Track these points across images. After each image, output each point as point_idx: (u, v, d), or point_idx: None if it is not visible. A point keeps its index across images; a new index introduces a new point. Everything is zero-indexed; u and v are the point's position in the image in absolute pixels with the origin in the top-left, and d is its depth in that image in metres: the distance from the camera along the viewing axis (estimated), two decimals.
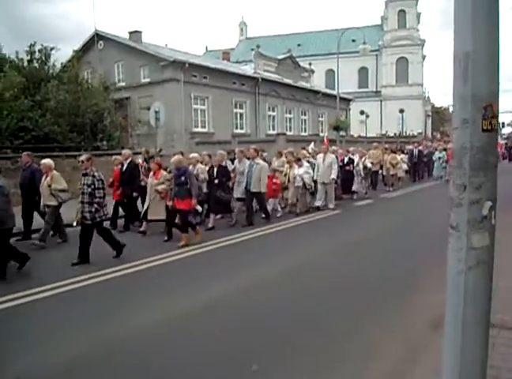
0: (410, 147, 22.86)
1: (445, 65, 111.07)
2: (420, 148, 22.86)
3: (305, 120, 36.52)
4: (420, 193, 17.37)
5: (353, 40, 50.57)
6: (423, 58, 65.11)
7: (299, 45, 61.56)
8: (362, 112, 50.02)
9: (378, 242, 8.74)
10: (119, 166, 10.75)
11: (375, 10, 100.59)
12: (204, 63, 27.78)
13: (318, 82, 43.94)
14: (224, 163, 11.12)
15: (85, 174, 7.60)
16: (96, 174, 7.58)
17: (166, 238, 9.16)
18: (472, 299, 1.65)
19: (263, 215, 11.14)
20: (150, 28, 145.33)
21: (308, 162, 12.81)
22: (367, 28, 58.44)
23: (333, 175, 12.71)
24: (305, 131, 35.82)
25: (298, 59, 38.40)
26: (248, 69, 32.29)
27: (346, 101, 40.09)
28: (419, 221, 10.89)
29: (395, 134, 45.25)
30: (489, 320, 1.67)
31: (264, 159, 12.61)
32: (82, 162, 7.64)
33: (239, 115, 30.07)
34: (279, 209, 11.92)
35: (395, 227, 10.32)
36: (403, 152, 20.60)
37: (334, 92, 33.68)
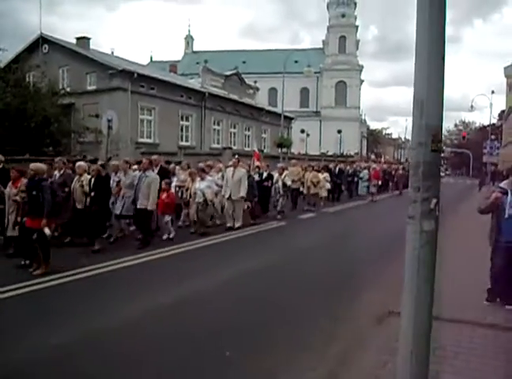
0: (330, 165, 22.53)
1: (379, 91, 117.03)
2: (343, 166, 22.93)
3: (248, 136, 37.53)
4: (339, 214, 16.38)
5: (296, 61, 52.74)
6: (361, 82, 68.93)
7: (244, 62, 63.08)
8: (302, 131, 52.14)
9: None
10: None
11: (317, 34, 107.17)
12: (153, 75, 28.05)
13: (261, 100, 45.28)
14: (112, 174, 9.93)
15: None
16: None
17: (22, 261, 7.39)
18: (422, 266, 2.43)
19: (139, 236, 9.58)
20: (94, 32, 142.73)
21: (222, 176, 12.04)
22: (310, 51, 61.18)
23: (242, 193, 11.58)
24: (248, 146, 36.75)
25: (242, 76, 39.52)
26: (195, 83, 32.86)
27: (288, 119, 41.58)
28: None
29: (334, 154, 47.47)
30: (433, 280, 2.43)
31: (168, 172, 11.73)
32: None
33: (184, 127, 30.49)
34: (171, 229, 10.32)
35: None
36: (329, 171, 19.69)
37: (277, 110, 34.96)
